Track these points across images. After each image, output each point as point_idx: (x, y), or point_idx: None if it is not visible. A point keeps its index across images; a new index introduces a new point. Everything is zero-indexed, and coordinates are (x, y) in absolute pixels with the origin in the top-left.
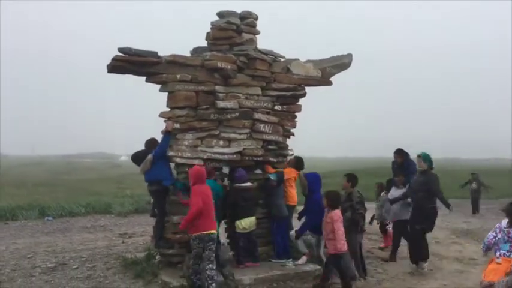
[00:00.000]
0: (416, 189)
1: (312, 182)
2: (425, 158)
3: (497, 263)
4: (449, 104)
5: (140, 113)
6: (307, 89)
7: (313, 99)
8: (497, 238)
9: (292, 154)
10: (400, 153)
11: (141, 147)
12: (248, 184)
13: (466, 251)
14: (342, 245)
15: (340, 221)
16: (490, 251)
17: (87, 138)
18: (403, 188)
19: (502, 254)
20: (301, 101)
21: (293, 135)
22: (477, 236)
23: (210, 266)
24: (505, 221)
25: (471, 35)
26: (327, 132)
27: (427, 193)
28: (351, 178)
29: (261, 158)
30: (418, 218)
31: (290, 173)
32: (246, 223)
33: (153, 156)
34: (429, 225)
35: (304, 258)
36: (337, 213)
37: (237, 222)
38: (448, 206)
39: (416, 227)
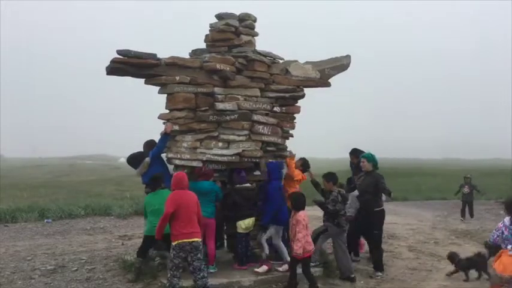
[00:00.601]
0: (362, 190)
1: (270, 170)
2: (369, 158)
3: (510, 255)
4: (450, 105)
5: (140, 114)
6: (306, 90)
7: (312, 100)
8: (504, 235)
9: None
10: (354, 153)
11: (140, 149)
12: (248, 184)
13: (465, 252)
14: (298, 248)
15: (303, 224)
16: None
17: (88, 140)
18: None
19: None
20: (300, 103)
21: (292, 136)
22: (476, 236)
23: (202, 274)
24: (507, 219)
25: (474, 37)
26: (327, 133)
27: (374, 195)
28: (330, 177)
29: (260, 160)
30: (370, 222)
31: (297, 175)
32: (249, 223)
33: (150, 158)
34: (381, 228)
35: (264, 268)
36: (301, 215)
37: (239, 223)
38: (389, 193)
39: (375, 232)
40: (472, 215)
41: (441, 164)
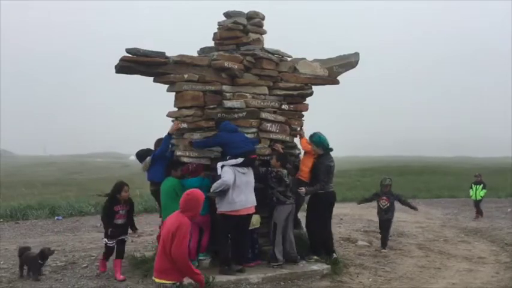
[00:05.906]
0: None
1: None
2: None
3: None
4: (460, 102)
5: (150, 112)
6: (314, 88)
7: (321, 99)
8: None
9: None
10: None
11: (149, 146)
12: None
13: (475, 250)
14: None
15: None
16: None
17: (99, 138)
18: None
19: None
20: (308, 100)
21: (301, 134)
22: (486, 234)
23: None
24: None
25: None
26: (335, 132)
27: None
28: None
29: (267, 157)
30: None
31: (305, 146)
32: (252, 220)
33: (152, 158)
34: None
35: None
36: None
37: None
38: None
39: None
40: (384, 243)
41: (451, 161)
